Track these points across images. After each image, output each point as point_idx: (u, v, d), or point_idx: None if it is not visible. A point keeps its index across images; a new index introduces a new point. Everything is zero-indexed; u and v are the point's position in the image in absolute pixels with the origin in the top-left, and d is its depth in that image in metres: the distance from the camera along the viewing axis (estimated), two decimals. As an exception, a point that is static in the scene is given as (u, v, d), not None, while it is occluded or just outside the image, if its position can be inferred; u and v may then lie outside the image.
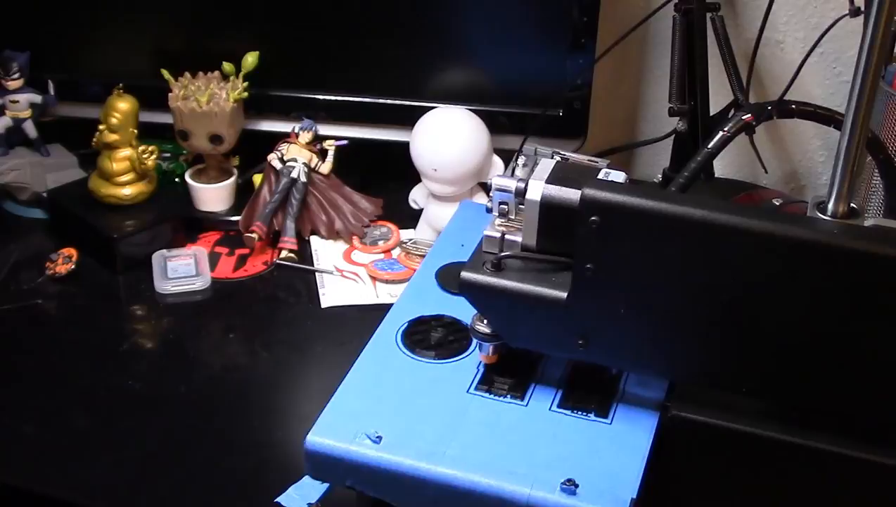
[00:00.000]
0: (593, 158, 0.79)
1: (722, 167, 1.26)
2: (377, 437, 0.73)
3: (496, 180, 0.75)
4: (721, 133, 0.81)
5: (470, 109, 1.14)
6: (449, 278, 0.91)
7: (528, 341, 0.77)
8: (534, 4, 1.14)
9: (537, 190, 0.73)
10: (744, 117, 0.81)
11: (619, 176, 0.75)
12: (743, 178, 1.27)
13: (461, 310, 0.84)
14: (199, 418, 0.93)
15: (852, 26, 1.15)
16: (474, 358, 0.80)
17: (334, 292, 1.09)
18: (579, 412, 0.76)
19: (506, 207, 0.76)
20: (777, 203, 1.12)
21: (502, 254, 0.75)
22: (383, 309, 0.87)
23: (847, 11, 0.92)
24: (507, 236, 0.76)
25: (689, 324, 0.70)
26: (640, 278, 0.69)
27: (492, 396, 0.77)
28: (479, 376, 0.79)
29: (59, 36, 1.24)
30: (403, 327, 0.84)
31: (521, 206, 0.75)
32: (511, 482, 0.70)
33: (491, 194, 0.76)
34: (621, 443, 0.73)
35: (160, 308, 1.07)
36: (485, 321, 0.77)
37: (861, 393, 0.69)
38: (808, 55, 1.06)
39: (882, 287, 0.64)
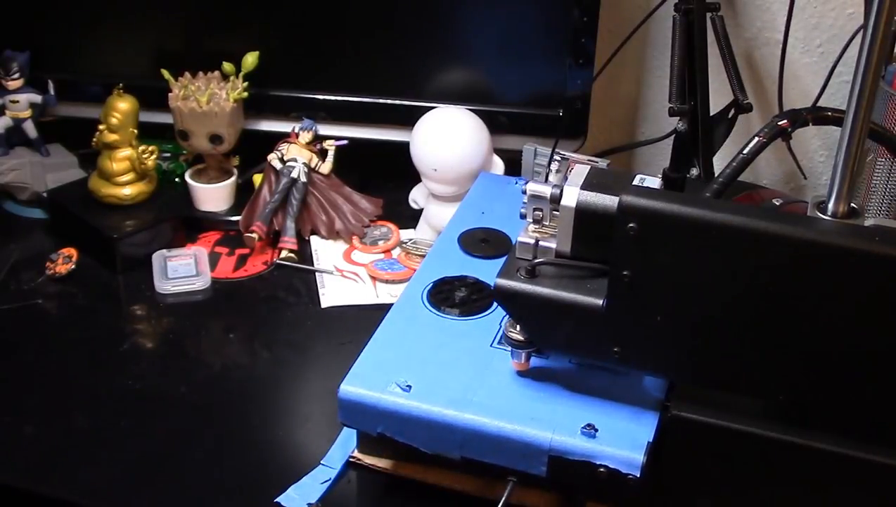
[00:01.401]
0: (593, 158, 0.79)
1: (722, 167, 1.26)
2: (407, 386, 0.77)
3: (531, 186, 0.76)
4: (757, 139, 0.81)
5: (470, 109, 1.14)
6: (470, 242, 0.95)
7: (564, 349, 0.78)
8: (534, 4, 1.14)
9: (573, 196, 0.73)
10: (780, 123, 0.81)
11: (653, 182, 0.75)
12: (743, 178, 1.27)
13: (483, 272, 0.90)
14: (199, 418, 0.93)
15: (852, 26, 1.15)
16: (497, 316, 0.84)
17: (334, 292, 1.09)
18: (597, 364, 0.78)
19: (540, 213, 0.76)
20: (777, 203, 1.12)
21: (536, 260, 0.75)
22: (383, 309, 0.88)
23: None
24: (540, 243, 0.76)
25: (728, 332, 0.70)
26: (677, 285, 0.69)
27: (513, 349, 0.80)
28: (501, 332, 0.82)
29: (59, 36, 1.24)
30: (429, 288, 0.88)
31: (555, 212, 0.75)
32: (534, 427, 0.74)
33: (524, 201, 0.76)
34: (638, 391, 0.77)
35: (160, 308, 1.07)
36: (518, 328, 0.77)
37: (861, 393, 0.69)
38: (835, 65, 1.06)
39: (882, 287, 0.64)
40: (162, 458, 0.88)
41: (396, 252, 1.15)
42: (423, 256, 1.11)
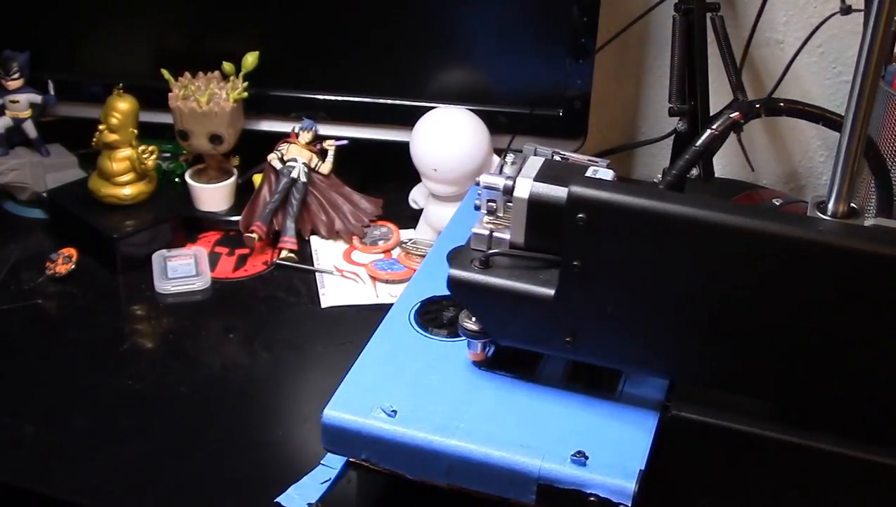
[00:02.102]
0: (593, 158, 0.79)
1: (722, 167, 1.26)
2: (392, 411, 0.74)
3: (484, 178, 0.76)
4: (709, 131, 0.81)
5: (470, 109, 1.14)
6: None
7: (516, 339, 0.77)
8: (534, 4, 1.14)
9: (525, 187, 0.74)
10: (732, 115, 0.81)
11: (607, 174, 0.75)
12: (743, 178, 1.27)
13: None
14: (199, 418, 0.93)
15: (852, 26, 1.15)
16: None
17: (334, 292, 1.09)
18: (588, 387, 0.77)
19: (494, 204, 0.76)
20: (777, 203, 1.12)
21: (490, 252, 0.76)
22: (383, 309, 0.88)
23: (838, 10, 0.92)
24: (495, 234, 0.76)
25: (677, 322, 0.70)
26: (627, 275, 0.70)
27: (502, 373, 0.79)
28: (490, 355, 0.80)
29: (59, 36, 1.24)
30: (416, 307, 0.86)
31: (509, 203, 0.75)
32: (523, 455, 0.71)
33: (479, 192, 0.76)
34: (630, 417, 0.75)
35: (160, 308, 1.07)
36: (473, 319, 0.77)
37: (861, 393, 0.69)
38: (797, 53, 1.06)
39: (882, 287, 0.64)
40: (162, 458, 0.88)
41: (396, 252, 1.15)
42: (423, 256, 1.11)
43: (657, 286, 0.69)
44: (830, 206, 0.70)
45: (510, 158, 0.77)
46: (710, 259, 0.67)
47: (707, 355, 0.71)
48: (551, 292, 0.73)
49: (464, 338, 0.80)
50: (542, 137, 1.13)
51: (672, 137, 1.20)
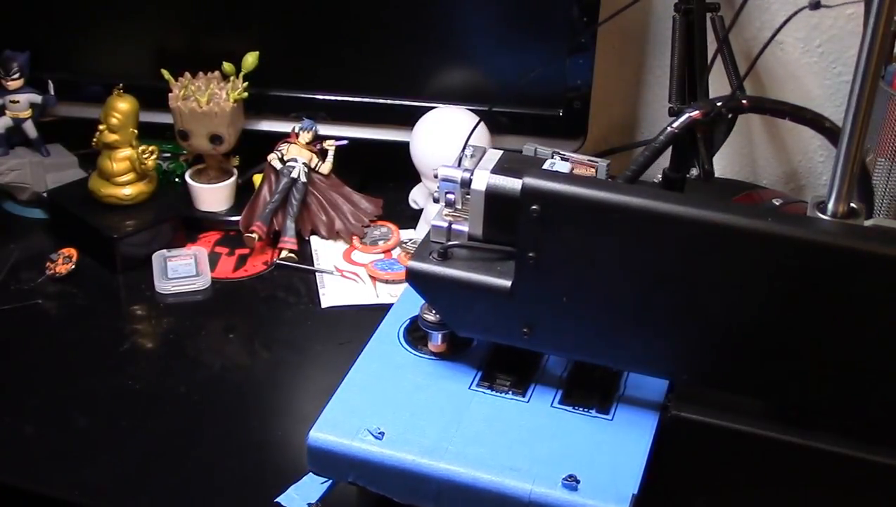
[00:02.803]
0: (593, 158, 0.79)
1: (722, 167, 1.26)
2: (379, 433, 0.73)
3: (442, 170, 0.77)
4: (669, 129, 0.81)
5: (470, 109, 1.14)
6: None
7: (475, 330, 0.78)
8: (534, 4, 1.14)
9: (482, 180, 0.74)
10: (692, 114, 0.81)
11: (563, 166, 0.76)
12: (743, 178, 1.27)
13: None
14: (199, 418, 0.93)
15: (852, 26, 1.15)
16: (477, 355, 0.81)
17: (334, 292, 1.09)
18: (581, 409, 0.76)
19: (452, 196, 0.77)
20: (777, 203, 1.12)
21: (449, 243, 0.76)
22: (383, 309, 0.88)
23: (807, 4, 0.91)
24: (454, 226, 0.77)
25: (631, 313, 0.71)
26: (581, 267, 0.70)
27: (493, 392, 0.78)
28: (480, 373, 0.79)
29: (59, 36, 1.24)
30: (405, 325, 0.84)
31: (467, 196, 0.76)
32: (513, 478, 0.70)
33: (438, 184, 0.77)
34: (623, 439, 0.73)
35: (160, 308, 1.07)
36: (433, 311, 0.78)
37: (860, 393, 0.69)
38: (762, 51, 1.06)
39: (882, 287, 0.64)
40: (162, 458, 0.88)
41: (396, 252, 1.15)
42: (423, 256, 1.11)
43: (611, 278, 0.70)
44: (830, 206, 0.70)
45: (469, 150, 0.78)
46: (660, 250, 0.68)
47: (671, 349, 0.71)
48: (508, 283, 0.73)
49: (453, 357, 0.80)
50: (542, 137, 1.13)
51: (672, 137, 1.19)
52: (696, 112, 0.81)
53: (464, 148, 0.78)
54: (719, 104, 0.81)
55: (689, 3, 1.11)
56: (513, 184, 0.73)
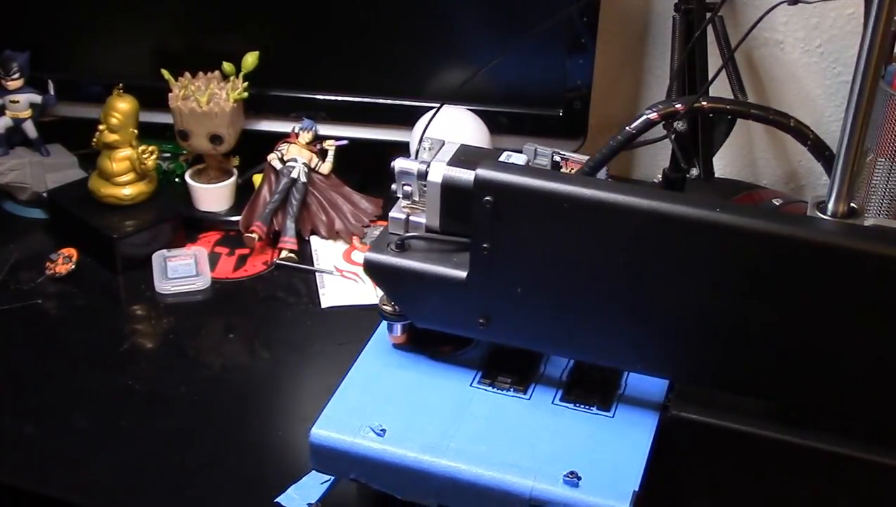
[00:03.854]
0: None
1: (722, 167, 1.26)
2: (381, 430, 0.74)
3: (398, 163, 0.78)
4: (626, 129, 0.82)
5: (470, 109, 1.14)
6: None
7: (433, 321, 0.78)
8: (534, 4, 1.14)
9: (438, 172, 0.75)
10: (649, 116, 0.81)
11: (519, 159, 0.76)
12: (743, 178, 1.27)
13: None
14: (199, 418, 0.93)
15: (852, 26, 1.15)
16: (478, 352, 0.81)
17: (334, 292, 1.09)
18: (581, 406, 0.76)
19: (410, 188, 0.78)
20: (777, 203, 1.12)
21: (406, 235, 0.77)
22: (383, 309, 0.87)
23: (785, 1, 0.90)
24: (411, 218, 0.78)
25: (585, 303, 0.71)
26: (534, 257, 0.71)
27: (494, 390, 0.78)
28: (481, 371, 0.80)
29: (59, 36, 1.24)
30: (405, 324, 0.84)
31: (424, 188, 0.76)
32: (514, 475, 0.70)
33: (395, 177, 0.78)
34: (623, 436, 0.74)
35: (160, 308, 1.07)
36: (391, 302, 0.79)
37: (860, 393, 0.69)
38: (737, 45, 1.06)
39: (882, 287, 0.64)
40: (162, 458, 0.88)
41: (396, 252, 1.15)
42: (423, 256, 1.11)
43: (564, 269, 0.70)
44: (830, 206, 0.70)
45: (427, 143, 0.78)
46: (615, 244, 0.68)
47: (625, 339, 0.72)
48: (463, 274, 0.74)
49: (454, 355, 0.80)
50: (542, 137, 1.13)
51: (672, 137, 1.19)
52: (654, 114, 0.81)
53: (420, 140, 0.79)
54: (678, 105, 0.81)
55: (689, 3, 1.11)
56: (468, 176, 0.74)
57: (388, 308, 0.79)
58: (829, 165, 0.71)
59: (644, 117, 0.81)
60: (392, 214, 0.78)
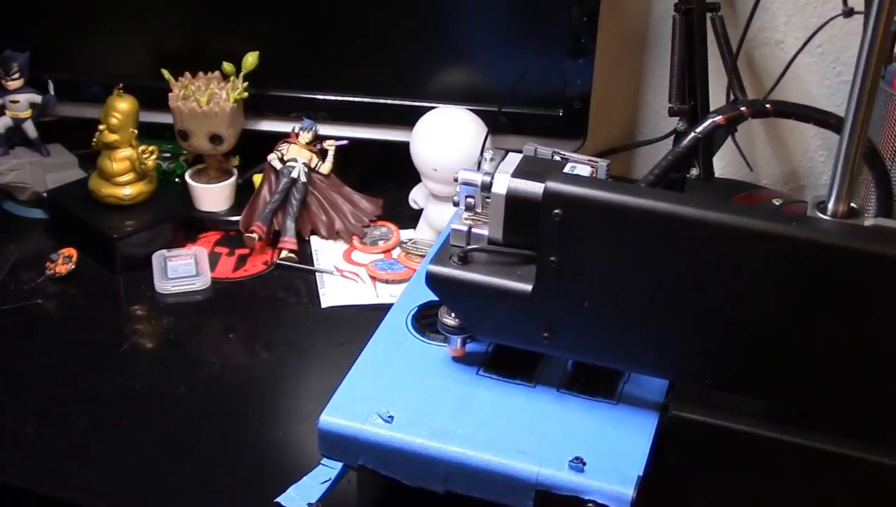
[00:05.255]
0: (593, 159, 0.79)
1: (722, 167, 1.26)
2: (389, 416, 0.74)
3: (462, 174, 0.77)
4: (693, 134, 0.81)
5: (470, 109, 1.14)
6: None
7: (495, 334, 0.78)
8: (534, 4, 1.14)
9: (503, 183, 0.74)
10: (716, 119, 0.81)
11: (584, 170, 0.76)
12: (743, 178, 1.27)
13: None
14: (200, 418, 0.93)
15: (852, 26, 1.15)
16: (483, 342, 0.82)
17: (334, 292, 1.09)
18: (586, 393, 0.77)
19: (472, 200, 0.77)
20: (777, 203, 1.12)
21: (469, 247, 0.76)
22: (383, 309, 0.88)
23: (840, 12, 0.91)
24: (473, 230, 0.77)
25: (654, 319, 0.71)
26: (603, 271, 0.70)
27: (500, 378, 0.79)
28: (488, 359, 0.80)
29: (59, 36, 1.24)
30: (413, 312, 0.85)
31: (487, 200, 0.76)
32: (520, 461, 0.71)
33: (458, 188, 0.77)
34: (628, 422, 0.75)
35: (160, 308, 1.07)
36: (452, 314, 0.78)
37: (860, 393, 0.69)
38: (796, 54, 1.06)
39: (882, 287, 0.64)
40: (162, 458, 0.88)
41: (396, 252, 1.15)
42: (423, 256, 1.11)
43: (633, 283, 0.70)
44: (830, 206, 0.70)
45: (489, 154, 0.78)
46: (683, 255, 0.68)
47: (691, 353, 0.71)
48: (528, 287, 0.73)
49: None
50: (542, 137, 1.13)
51: (672, 137, 1.19)
52: (720, 117, 0.81)
53: (482, 151, 0.78)
54: (743, 109, 0.81)
55: (689, 3, 1.11)
56: (534, 188, 0.73)
57: (449, 321, 0.78)
58: (880, 175, 0.72)
59: (710, 121, 0.80)
60: (454, 226, 0.77)
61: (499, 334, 0.78)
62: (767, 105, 0.82)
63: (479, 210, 0.77)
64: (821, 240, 0.65)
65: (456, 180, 0.77)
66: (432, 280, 0.76)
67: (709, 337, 0.70)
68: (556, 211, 0.69)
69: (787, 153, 1.27)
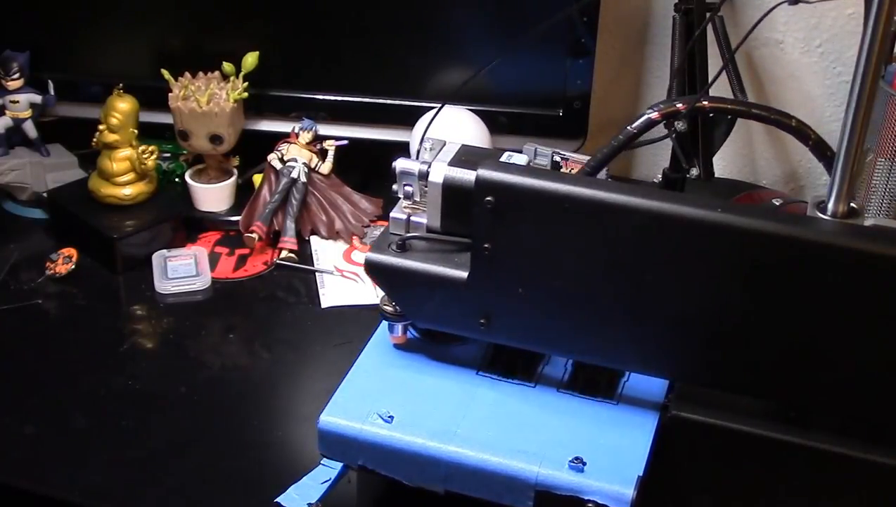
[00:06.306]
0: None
1: (722, 167, 1.26)
2: (389, 416, 0.75)
3: (400, 163, 0.78)
4: (627, 129, 0.81)
5: (470, 109, 1.14)
6: None
7: (433, 321, 0.78)
8: (534, 4, 1.14)
9: (440, 172, 0.76)
10: (651, 115, 0.81)
11: (520, 159, 0.76)
12: (743, 178, 1.27)
13: None
14: (199, 418, 0.93)
15: (852, 26, 1.15)
16: (484, 341, 0.81)
17: (334, 292, 1.09)
18: (586, 394, 0.77)
19: (411, 189, 0.78)
20: (777, 203, 1.12)
21: (407, 235, 0.77)
22: (383, 309, 0.88)
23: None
24: (412, 218, 0.78)
25: (587, 305, 0.71)
26: (535, 258, 0.71)
27: (500, 378, 0.79)
28: (488, 359, 0.80)
29: (59, 36, 1.24)
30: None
31: (425, 188, 0.76)
32: (520, 461, 0.71)
33: (397, 177, 0.78)
34: (627, 423, 0.75)
35: (160, 308, 1.07)
36: (392, 302, 0.79)
37: (860, 393, 0.69)
38: (737, 47, 1.05)
39: (882, 287, 0.64)
40: (162, 458, 0.88)
41: (396, 252, 1.15)
42: (423, 256, 1.11)
43: (566, 269, 0.70)
44: (830, 206, 0.70)
45: (428, 143, 0.78)
46: (617, 243, 0.68)
47: (627, 340, 0.72)
48: (464, 274, 0.74)
49: (461, 344, 0.81)
50: (542, 137, 1.13)
51: (672, 137, 1.19)
52: (655, 113, 0.81)
53: (421, 141, 0.79)
54: (679, 105, 0.81)
55: (689, 3, 1.11)
56: (468, 176, 0.74)
57: (388, 308, 0.79)
58: (831, 165, 0.71)
59: (645, 117, 0.81)
60: (393, 214, 0.79)
61: (437, 321, 0.78)
62: (704, 102, 0.82)
63: (418, 199, 0.78)
64: (821, 240, 0.65)
65: (394, 169, 0.78)
66: (370, 267, 0.77)
67: (647, 326, 0.70)
68: (489, 198, 0.70)
69: (786, 153, 1.27)
